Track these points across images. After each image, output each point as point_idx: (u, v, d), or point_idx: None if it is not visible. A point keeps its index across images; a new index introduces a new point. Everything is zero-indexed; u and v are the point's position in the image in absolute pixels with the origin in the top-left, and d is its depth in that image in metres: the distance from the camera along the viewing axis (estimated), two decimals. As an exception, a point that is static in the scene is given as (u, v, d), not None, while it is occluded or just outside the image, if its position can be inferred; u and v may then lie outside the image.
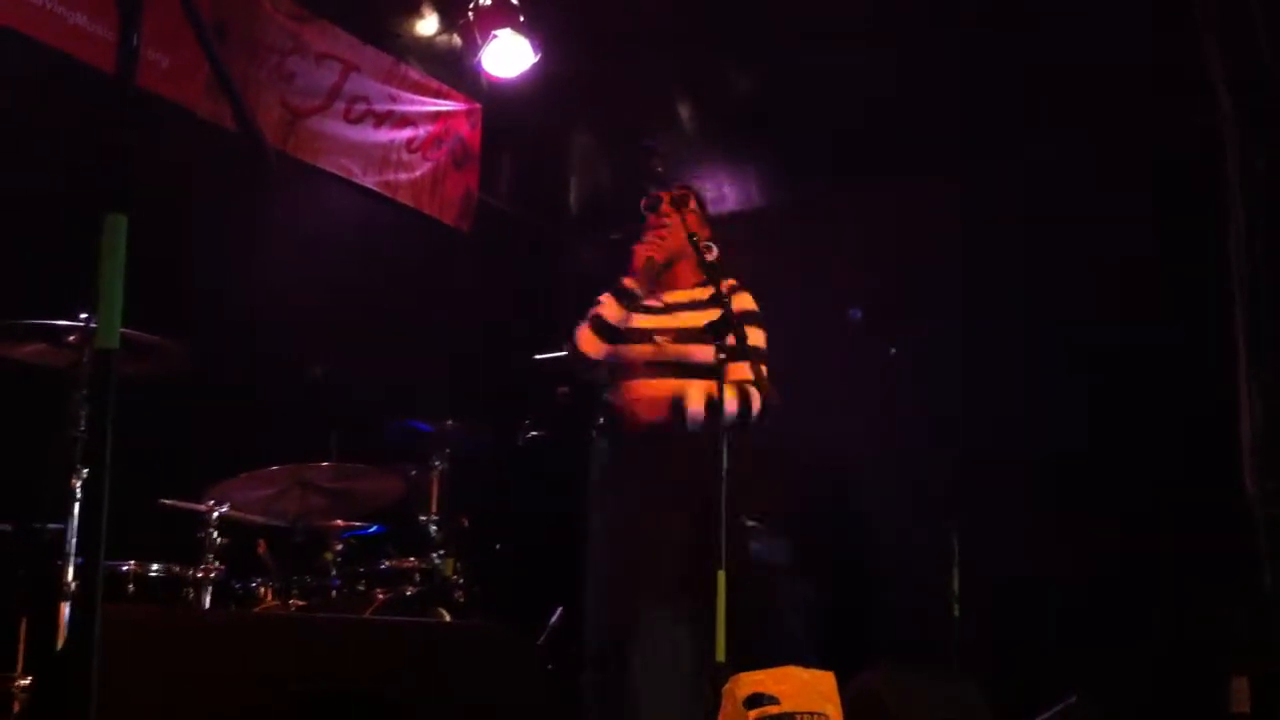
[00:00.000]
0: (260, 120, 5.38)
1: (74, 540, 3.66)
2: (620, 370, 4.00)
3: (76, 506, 3.67)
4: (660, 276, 4.11)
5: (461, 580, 4.69)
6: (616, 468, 4.04)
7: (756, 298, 4.16)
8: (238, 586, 4.30)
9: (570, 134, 7.62)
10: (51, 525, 3.73)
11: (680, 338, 3.95)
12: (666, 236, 4.08)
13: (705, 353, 3.78)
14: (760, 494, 5.59)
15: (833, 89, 6.20)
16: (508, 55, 6.22)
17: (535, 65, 6.26)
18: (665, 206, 4.10)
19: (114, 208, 1.95)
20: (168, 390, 3.95)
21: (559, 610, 5.23)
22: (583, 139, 7.63)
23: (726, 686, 4.10)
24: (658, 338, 3.97)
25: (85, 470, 3.68)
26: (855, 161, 6.28)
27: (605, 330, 3.99)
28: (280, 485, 4.45)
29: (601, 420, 4.09)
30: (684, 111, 7.04)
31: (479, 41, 6.13)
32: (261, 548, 4.44)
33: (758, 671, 4.10)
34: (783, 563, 5.76)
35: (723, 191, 6.95)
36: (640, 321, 4.01)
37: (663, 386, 3.91)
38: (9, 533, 4.06)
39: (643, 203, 4.18)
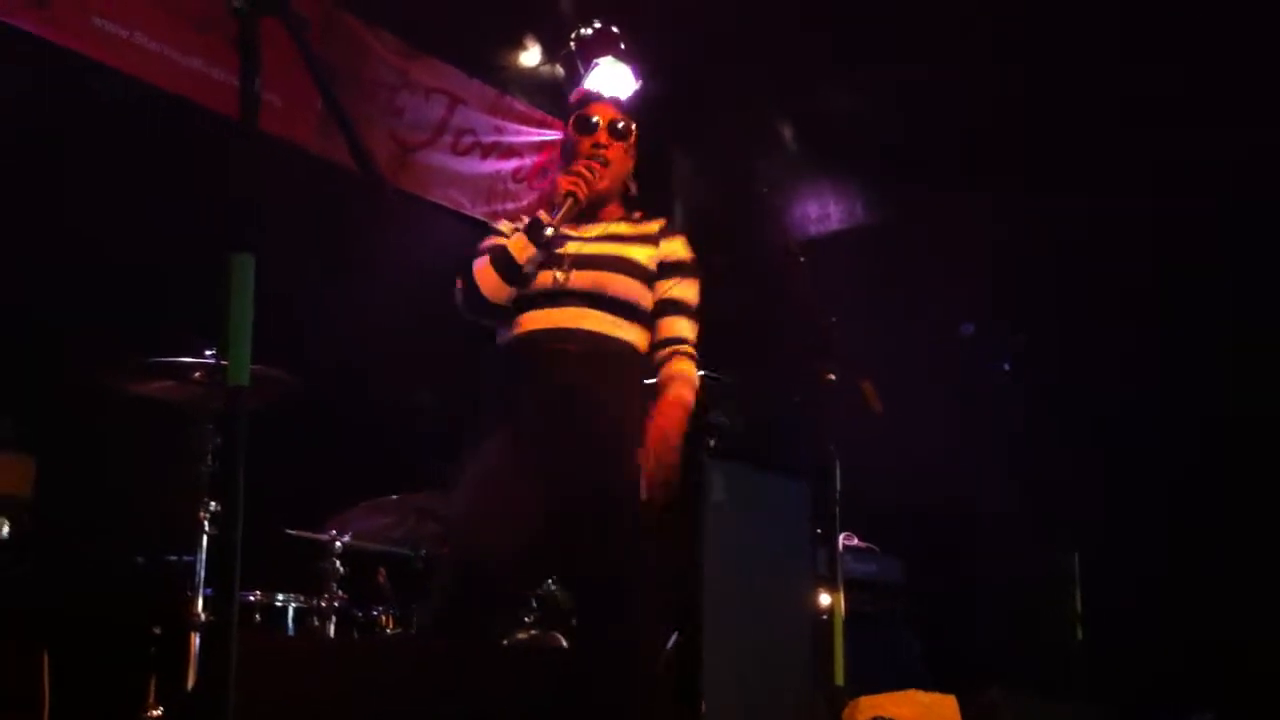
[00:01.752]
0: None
1: (203, 571, 3.76)
2: (520, 303, 3.30)
3: (204, 538, 3.77)
4: (582, 214, 3.38)
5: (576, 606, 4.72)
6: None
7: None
8: (359, 615, 4.37)
9: (671, 158, 7.65)
10: (184, 557, 3.82)
11: (593, 264, 3.30)
12: (599, 172, 3.36)
13: (624, 286, 3.29)
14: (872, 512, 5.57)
15: (934, 100, 6.18)
16: (610, 83, 6.27)
17: (637, 91, 6.30)
18: (603, 135, 3.44)
19: (241, 248, 2.00)
20: (286, 422, 4.03)
21: (674, 635, 5.22)
22: (684, 162, 7.66)
23: (846, 711, 4.07)
24: (567, 264, 3.29)
25: (212, 503, 3.78)
26: (959, 173, 6.23)
27: (509, 270, 3.27)
28: (398, 514, 4.52)
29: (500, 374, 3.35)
30: (785, 131, 7.04)
31: (581, 71, 6.20)
32: (381, 576, 4.50)
33: (878, 695, 4.07)
34: (897, 582, 5.70)
35: (828, 210, 6.94)
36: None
37: (564, 317, 3.27)
38: (140, 565, 4.17)
39: (571, 122, 3.48)
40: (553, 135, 6.70)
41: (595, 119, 3.44)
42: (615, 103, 3.58)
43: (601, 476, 3.14)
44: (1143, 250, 5.57)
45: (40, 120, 4.53)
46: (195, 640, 3.70)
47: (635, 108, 6.28)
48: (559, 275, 3.26)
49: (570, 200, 3.28)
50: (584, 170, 3.33)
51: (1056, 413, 5.52)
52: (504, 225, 3.46)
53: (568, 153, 3.51)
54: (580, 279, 3.27)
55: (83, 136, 4.64)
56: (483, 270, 3.29)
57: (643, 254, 3.37)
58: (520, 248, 3.27)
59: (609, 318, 3.28)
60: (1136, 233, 5.60)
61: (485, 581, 3.07)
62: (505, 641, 4.33)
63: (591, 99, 3.56)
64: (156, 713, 3.75)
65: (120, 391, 3.97)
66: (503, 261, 3.27)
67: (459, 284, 3.32)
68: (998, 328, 5.97)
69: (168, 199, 4.73)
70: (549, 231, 3.23)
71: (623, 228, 3.42)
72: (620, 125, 3.46)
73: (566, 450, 3.13)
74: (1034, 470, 5.45)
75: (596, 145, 3.41)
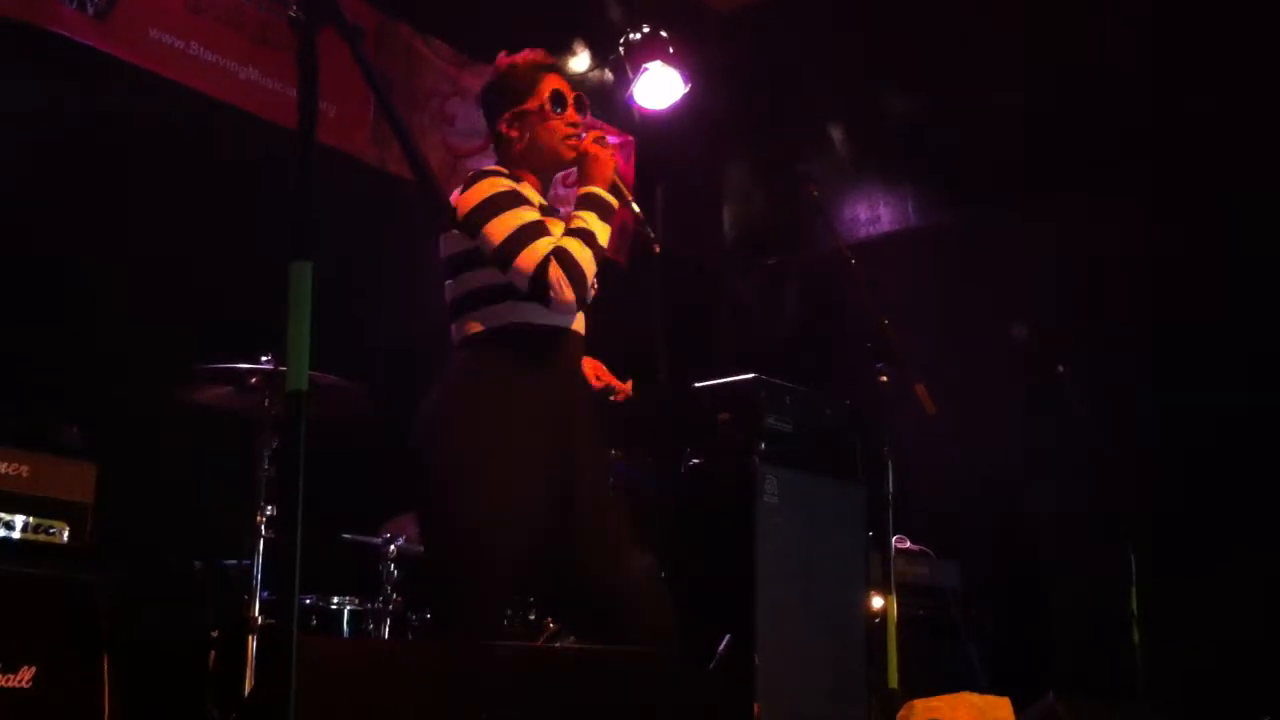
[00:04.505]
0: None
1: (259, 575, 3.80)
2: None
3: (261, 543, 3.82)
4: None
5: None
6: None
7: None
8: (414, 618, 4.40)
9: (723, 165, 7.67)
10: (241, 562, 3.87)
11: None
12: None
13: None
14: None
15: (989, 106, 6.17)
16: (659, 88, 6.27)
17: (687, 96, 6.31)
18: (574, 112, 3.27)
19: (300, 255, 2.02)
20: (340, 426, 4.06)
21: (726, 638, 5.22)
22: (736, 169, 7.68)
23: (900, 713, 4.05)
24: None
25: (269, 507, 3.83)
26: (1014, 178, 6.20)
27: (601, 258, 3.08)
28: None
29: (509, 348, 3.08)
30: (837, 136, 7.03)
31: (630, 75, 6.21)
32: (436, 580, 4.52)
33: (932, 698, 4.05)
34: (951, 585, 5.67)
35: (878, 213, 6.91)
36: None
37: (581, 321, 3.20)
38: (198, 569, 4.23)
39: (549, 96, 3.22)
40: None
41: (565, 94, 3.26)
42: (561, 67, 3.37)
43: (605, 477, 3.23)
44: (1205, 247, 5.50)
45: (99, 134, 4.61)
46: (252, 643, 3.75)
47: (685, 113, 6.37)
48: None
49: (619, 177, 3.18)
50: (607, 141, 3.22)
51: (1114, 413, 5.47)
52: (521, 188, 3.14)
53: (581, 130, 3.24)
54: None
55: (141, 149, 4.72)
56: (587, 260, 3.01)
57: None
58: (604, 231, 3.08)
59: None
60: (1197, 230, 5.54)
61: (505, 579, 3.03)
62: (549, 642, 4.35)
63: (543, 69, 3.29)
64: (215, 715, 3.80)
65: (180, 399, 4.03)
66: (597, 248, 3.05)
67: (561, 275, 2.96)
68: (1052, 329, 5.92)
69: (226, 208, 4.79)
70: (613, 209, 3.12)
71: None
72: (583, 97, 3.32)
73: (584, 450, 3.12)
74: (1090, 472, 5.40)
75: (572, 124, 3.25)
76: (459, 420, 3.07)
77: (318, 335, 2.00)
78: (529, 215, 3.04)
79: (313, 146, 2.04)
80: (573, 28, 6.63)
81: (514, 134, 3.25)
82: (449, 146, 5.97)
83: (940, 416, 3.81)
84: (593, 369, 3.40)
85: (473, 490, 2.98)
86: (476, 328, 3.10)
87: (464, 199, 3.06)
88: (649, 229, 3.30)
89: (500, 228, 2.99)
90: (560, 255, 2.97)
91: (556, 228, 3.09)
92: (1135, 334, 5.68)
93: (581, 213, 3.09)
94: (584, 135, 3.23)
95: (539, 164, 3.28)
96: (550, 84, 3.24)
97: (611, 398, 3.38)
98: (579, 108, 3.28)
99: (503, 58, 3.32)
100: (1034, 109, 6.12)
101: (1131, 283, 5.76)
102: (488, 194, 3.05)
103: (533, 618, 4.55)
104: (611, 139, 3.31)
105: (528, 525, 2.99)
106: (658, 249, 3.22)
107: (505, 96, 3.27)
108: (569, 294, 2.96)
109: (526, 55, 3.29)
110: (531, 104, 3.23)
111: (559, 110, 3.23)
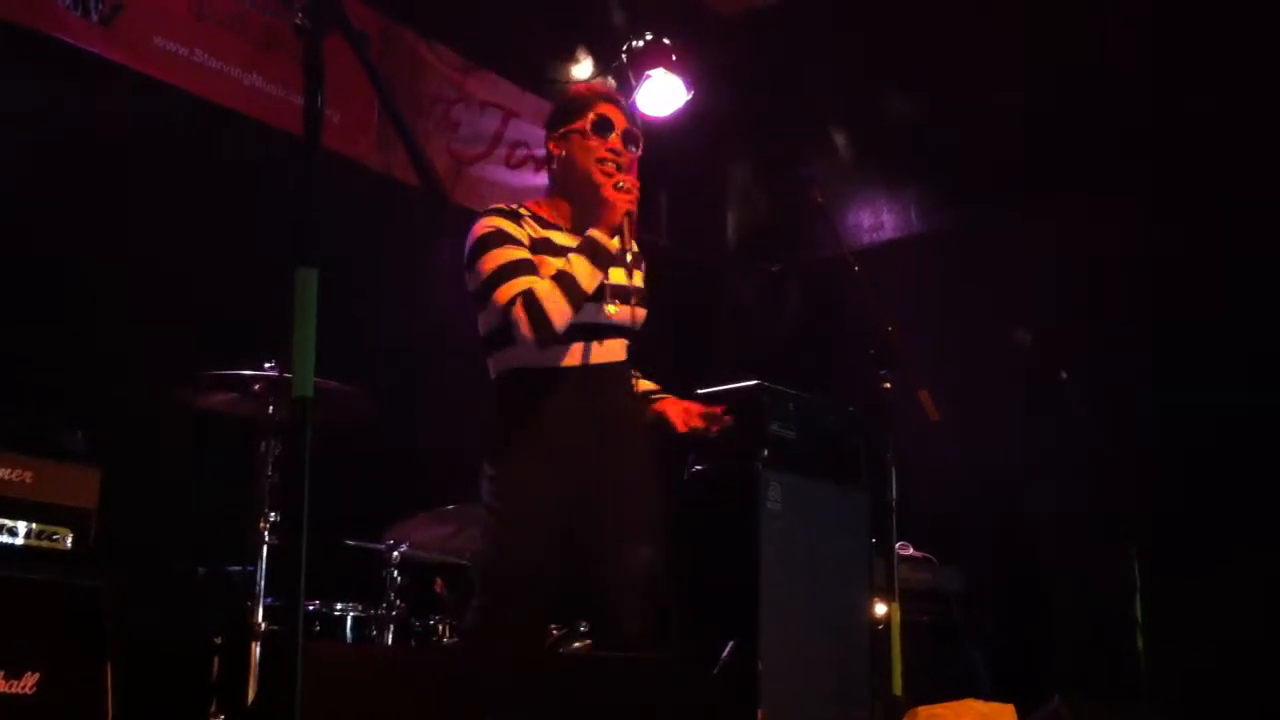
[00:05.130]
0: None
1: (263, 581, 3.80)
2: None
3: (265, 548, 3.81)
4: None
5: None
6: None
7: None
8: (417, 624, 4.39)
9: (726, 168, 7.67)
10: (245, 567, 3.86)
11: (625, 296, 3.24)
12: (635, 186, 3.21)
13: (644, 316, 3.30)
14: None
15: (989, 106, 6.17)
16: (661, 94, 6.25)
17: (690, 102, 6.30)
18: (618, 141, 3.28)
19: (305, 262, 2.02)
20: (344, 431, 4.06)
21: (730, 644, 5.22)
22: (738, 172, 7.68)
23: None
24: (610, 296, 3.20)
25: (273, 513, 3.82)
26: (1014, 178, 6.21)
27: (579, 299, 3.06)
28: (456, 523, 4.53)
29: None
30: (838, 137, 7.04)
31: (633, 82, 6.20)
32: (439, 585, 4.52)
33: (937, 705, 4.04)
34: (954, 591, 5.67)
35: (881, 219, 6.92)
36: None
37: (607, 352, 3.25)
38: (202, 575, 4.22)
39: (590, 122, 3.27)
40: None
41: (613, 122, 3.29)
42: (625, 106, 3.39)
43: (642, 508, 3.27)
44: (1205, 247, 5.51)
45: (99, 134, 4.60)
46: (256, 650, 3.74)
47: (688, 118, 6.37)
48: (609, 308, 3.21)
49: (628, 221, 3.17)
50: (631, 186, 3.18)
51: (1114, 413, 5.47)
52: (510, 227, 3.17)
53: (604, 170, 3.23)
54: (621, 313, 3.24)
55: (141, 149, 4.71)
56: (554, 301, 3.04)
57: (639, 278, 3.34)
58: (589, 275, 3.09)
59: (630, 348, 3.32)
60: (1197, 230, 5.54)
61: (509, 578, 3.19)
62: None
63: (601, 98, 3.35)
64: (218, 721, 3.79)
65: (184, 404, 4.02)
66: (574, 290, 3.06)
67: (522, 315, 3.03)
68: (1052, 330, 5.92)
69: (226, 209, 4.79)
70: (611, 253, 3.14)
71: (628, 254, 3.29)
72: (634, 133, 3.33)
73: (613, 481, 3.21)
74: (1090, 472, 5.40)
75: (613, 151, 3.26)
76: (488, 442, 3.30)
77: (319, 337, 2.00)
78: (514, 254, 3.12)
79: (317, 151, 2.04)
80: (575, 33, 6.63)
81: (557, 152, 3.35)
82: (453, 153, 5.98)
83: (946, 421, 3.81)
84: (682, 415, 3.44)
85: (487, 494, 3.27)
86: (495, 369, 3.30)
87: (468, 239, 3.22)
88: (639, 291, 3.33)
89: (484, 266, 3.14)
90: (526, 296, 3.05)
91: (550, 265, 3.15)
92: (1135, 334, 5.68)
93: (573, 255, 3.13)
94: (621, 168, 3.25)
95: (573, 184, 3.31)
96: (601, 109, 3.30)
97: (712, 431, 3.44)
98: (626, 139, 3.30)
99: (571, 86, 3.43)
100: (1034, 109, 6.13)
101: (1131, 283, 5.75)
102: (479, 234, 3.19)
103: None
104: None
105: (531, 527, 3.17)
106: (643, 314, 3.32)
107: (557, 117, 3.38)
108: (528, 333, 3.04)
109: (592, 85, 3.51)
110: (577, 124, 3.29)
111: (600, 134, 3.27)
